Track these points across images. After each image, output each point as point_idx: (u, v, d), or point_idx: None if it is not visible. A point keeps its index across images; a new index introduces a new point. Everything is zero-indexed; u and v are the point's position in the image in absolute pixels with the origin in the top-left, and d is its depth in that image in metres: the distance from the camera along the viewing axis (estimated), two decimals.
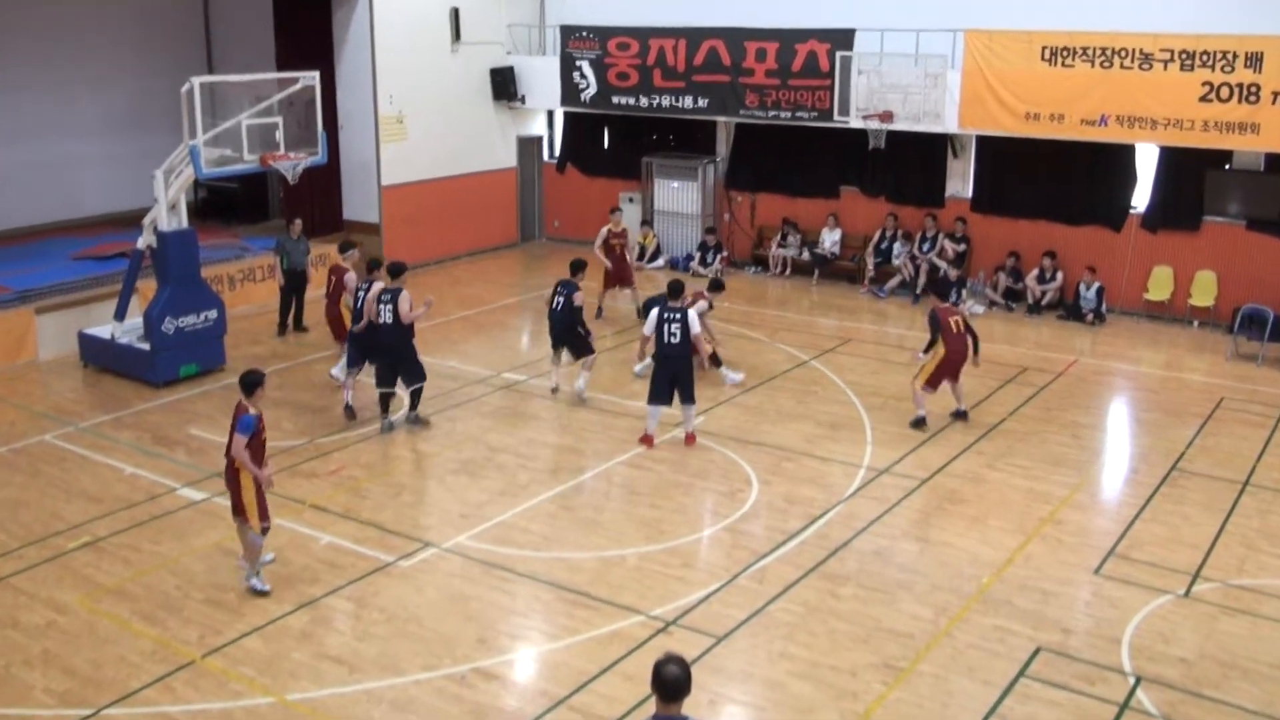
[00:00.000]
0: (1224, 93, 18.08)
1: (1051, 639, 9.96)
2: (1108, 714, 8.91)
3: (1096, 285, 20.35)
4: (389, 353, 14.56)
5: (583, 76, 24.30)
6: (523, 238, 26.93)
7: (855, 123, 21.21)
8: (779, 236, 23.81)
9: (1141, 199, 20.65)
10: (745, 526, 12.17)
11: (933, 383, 14.86)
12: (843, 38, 21.24)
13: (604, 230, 19.96)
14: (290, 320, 19.21)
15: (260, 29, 23.48)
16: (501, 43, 25.31)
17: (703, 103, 23.11)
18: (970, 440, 14.55)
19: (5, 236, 21.89)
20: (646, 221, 24.44)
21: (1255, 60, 17.74)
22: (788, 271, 23.62)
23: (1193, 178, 19.84)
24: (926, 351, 15.04)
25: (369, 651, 9.74)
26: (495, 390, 16.44)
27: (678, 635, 9.94)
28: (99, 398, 16.24)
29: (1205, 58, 18.11)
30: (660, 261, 24.30)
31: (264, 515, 10.57)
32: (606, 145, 26.33)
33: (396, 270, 14.70)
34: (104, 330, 17.33)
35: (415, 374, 14.83)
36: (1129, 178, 20.62)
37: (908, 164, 22.40)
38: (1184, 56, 18.28)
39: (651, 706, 6.09)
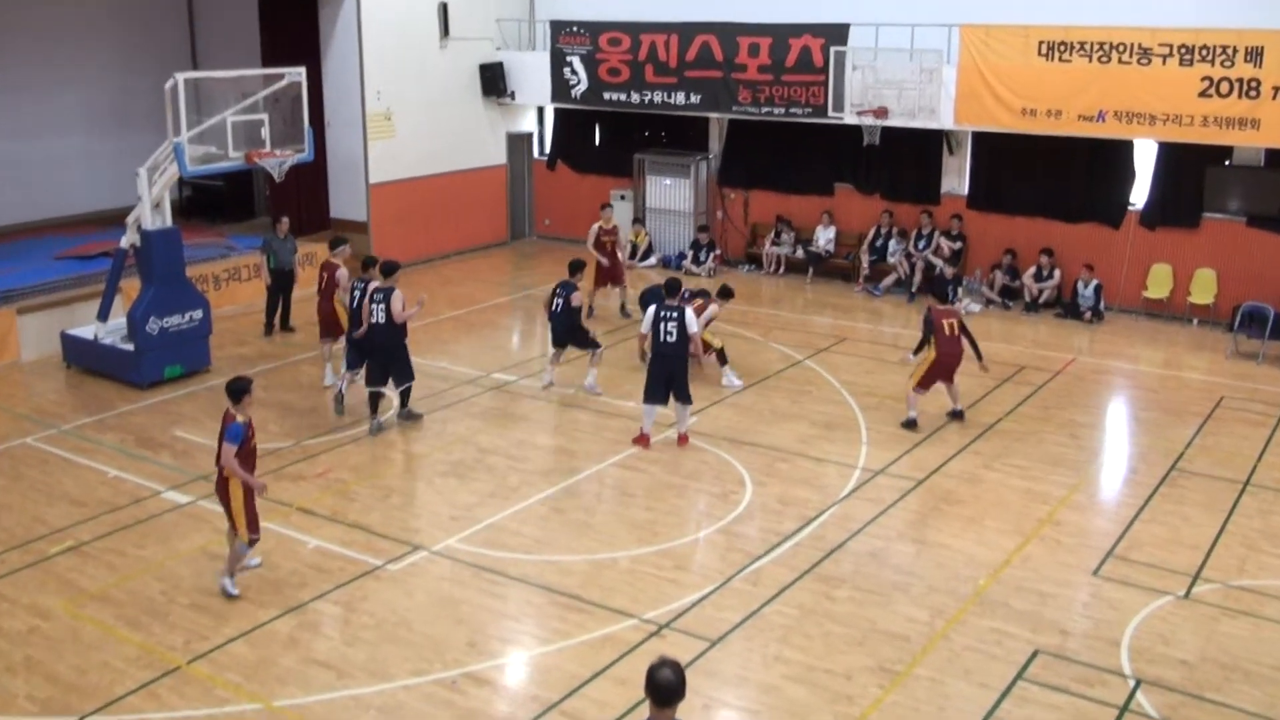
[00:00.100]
0: (1224, 88, 18.11)
1: (1050, 641, 9.97)
2: (1107, 717, 8.93)
3: (1094, 283, 20.39)
4: (381, 352, 14.58)
5: (573, 72, 24.28)
6: (513, 236, 26.91)
7: (850, 119, 21.20)
8: (773, 234, 23.82)
9: (1140, 195, 20.67)
10: (739, 528, 12.17)
11: (924, 384, 14.88)
12: (837, 33, 21.25)
13: (595, 227, 19.97)
14: (277, 320, 19.18)
15: (246, 24, 23.44)
16: (491, 38, 25.30)
17: (695, 99, 23.11)
18: (967, 440, 14.57)
19: None
20: (638, 219, 24.44)
21: (1255, 55, 17.77)
22: (781, 270, 23.63)
23: (1192, 174, 19.88)
24: (917, 353, 15.08)
25: (357, 656, 9.73)
26: (485, 391, 16.43)
27: (671, 639, 9.94)
28: (82, 399, 16.19)
29: (1205, 52, 18.13)
30: (652, 260, 24.30)
31: (253, 527, 10.58)
32: (598, 142, 26.32)
33: (389, 269, 14.70)
34: (87, 331, 17.29)
35: (405, 374, 14.87)
36: (1127, 174, 20.65)
37: (903, 161, 22.41)
38: (1183, 51, 18.31)
39: (645, 711, 6.09)
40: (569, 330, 16.14)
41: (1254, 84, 17.87)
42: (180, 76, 15.75)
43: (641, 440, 14.33)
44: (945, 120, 20.61)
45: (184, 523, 12.24)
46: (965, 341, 14.75)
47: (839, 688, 9.29)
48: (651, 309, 14.23)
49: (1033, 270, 20.93)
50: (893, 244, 22.36)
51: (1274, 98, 17.76)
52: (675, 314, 13.94)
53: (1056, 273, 20.81)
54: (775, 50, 21.89)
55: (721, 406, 15.73)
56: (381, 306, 14.37)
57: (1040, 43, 19.40)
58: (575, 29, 24.08)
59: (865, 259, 22.50)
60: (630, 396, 15.69)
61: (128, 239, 16.74)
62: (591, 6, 24.38)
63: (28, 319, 17.85)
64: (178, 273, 16.92)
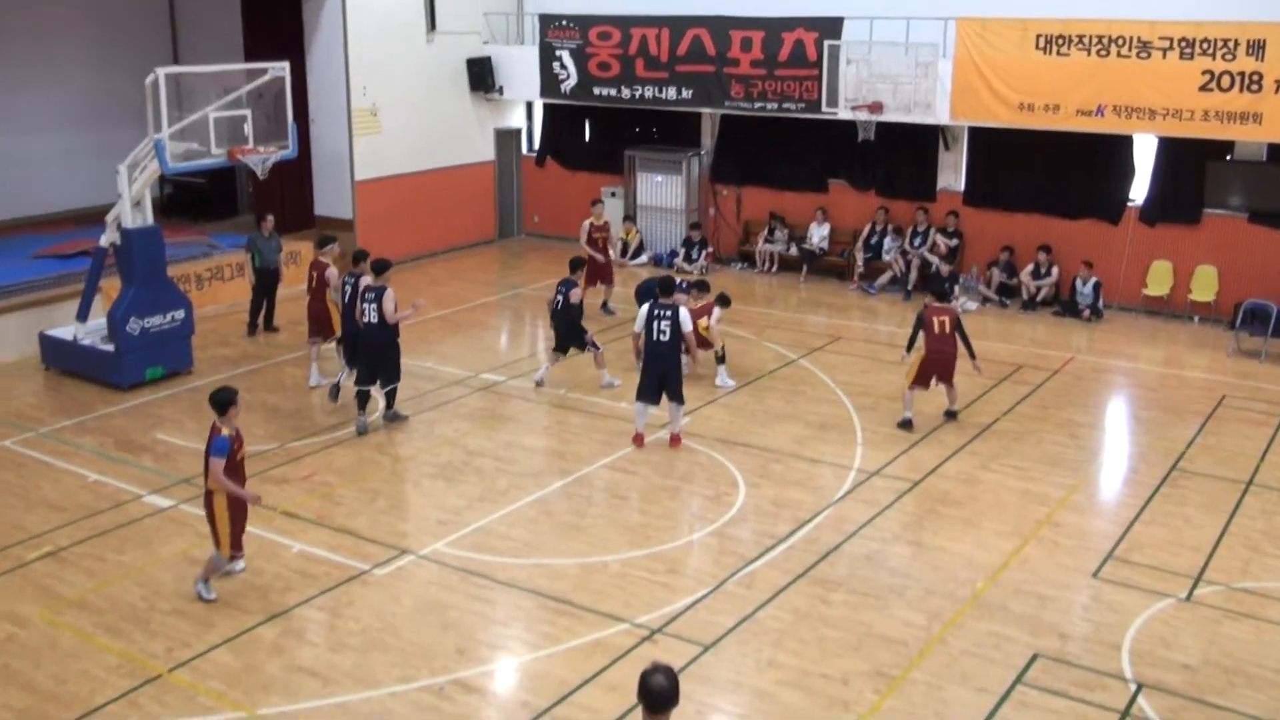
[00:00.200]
0: (1225, 81, 18.14)
1: (1049, 645, 9.97)
2: None
3: (1093, 280, 20.41)
4: (372, 351, 14.58)
5: (563, 67, 24.26)
6: (501, 234, 26.89)
7: (844, 114, 21.22)
8: (766, 231, 23.82)
9: (1140, 191, 20.71)
10: (732, 531, 12.16)
11: (918, 382, 14.87)
12: (831, 26, 21.25)
13: (586, 224, 20.01)
14: (261, 320, 19.14)
15: (228, 18, 23.39)
16: (478, 32, 25.28)
17: (687, 94, 23.10)
18: (964, 441, 14.57)
19: None
20: (629, 217, 24.44)
21: (1257, 48, 17.79)
22: (775, 268, 23.63)
23: (1193, 169, 19.92)
24: (909, 350, 15.11)
25: (343, 663, 9.69)
26: (473, 392, 16.41)
27: (663, 644, 9.92)
28: (61, 402, 16.13)
29: (1206, 45, 18.16)
30: (643, 258, 24.30)
31: (236, 545, 10.56)
32: (587, 138, 26.32)
33: (380, 267, 14.70)
34: (66, 331, 17.22)
35: (392, 374, 14.87)
36: (1127, 170, 20.68)
37: (898, 156, 22.43)
38: (1184, 44, 18.34)
39: (637, 718, 6.07)
40: (570, 330, 16.18)
41: (1256, 78, 17.90)
42: (161, 71, 15.71)
43: (637, 440, 14.35)
44: (941, 115, 20.61)
45: (165, 527, 12.19)
46: (959, 340, 14.76)
47: (834, 693, 9.28)
48: (644, 308, 14.29)
49: (1030, 268, 20.96)
50: (888, 241, 22.37)
51: (1276, 91, 17.78)
52: (669, 313, 13.97)
53: (1055, 270, 20.83)
54: (768, 44, 21.89)
55: (714, 407, 15.72)
56: (373, 306, 14.39)
57: (1038, 36, 19.42)
58: (564, 23, 24.05)
59: (860, 257, 22.51)
60: (622, 397, 15.69)
61: (108, 237, 16.68)
62: None
63: (5, 319, 17.79)
64: (159, 272, 16.87)
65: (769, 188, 24.11)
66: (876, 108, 20.69)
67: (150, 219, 16.69)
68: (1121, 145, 20.43)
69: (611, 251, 20.34)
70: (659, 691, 5.87)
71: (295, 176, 22.84)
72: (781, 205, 23.90)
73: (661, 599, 10.69)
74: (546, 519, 12.44)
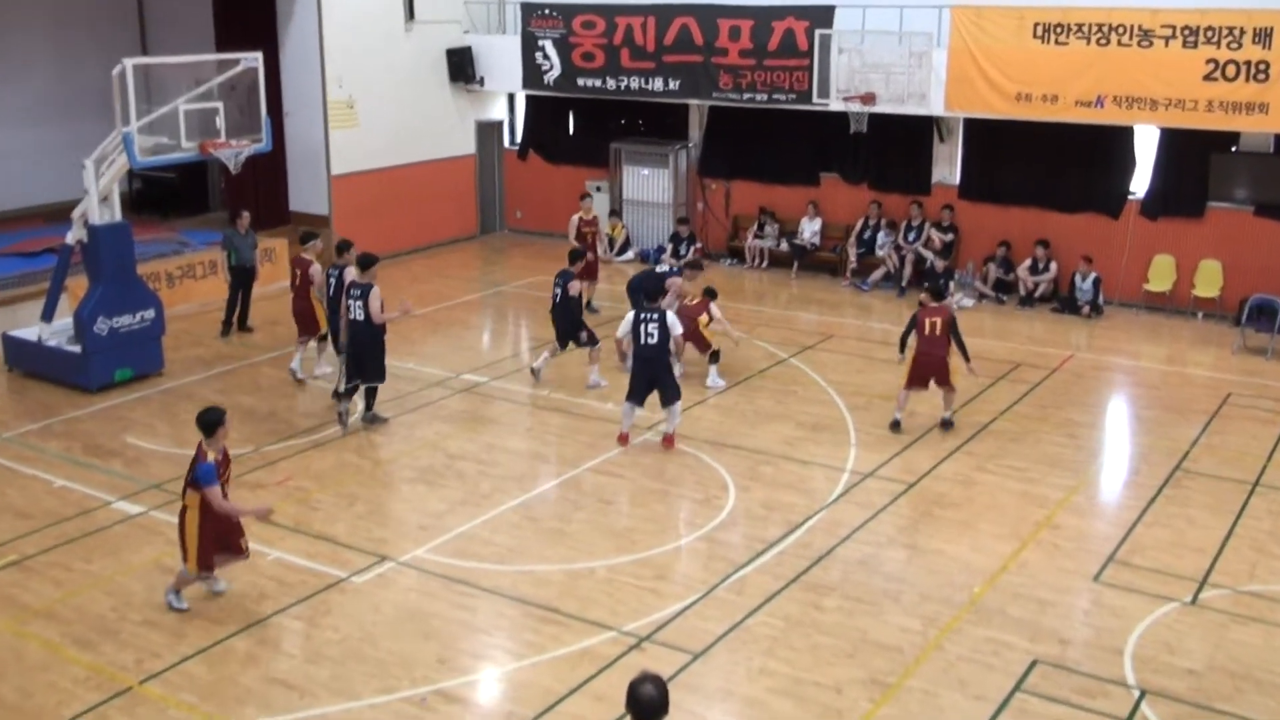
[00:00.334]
0: (1230, 71, 18.19)
1: (1049, 651, 9.99)
2: None
3: (1093, 276, 20.46)
4: (358, 349, 14.59)
5: (546, 57, 24.24)
6: (483, 229, 26.86)
7: (835, 105, 21.24)
8: (755, 226, 23.84)
9: (1141, 184, 20.75)
10: (722, 535, 12.16)
11: (912, 383, 14.85)
12: (822, 15, 21.27)
13: (574, 219, 20.06)
14: (235, 319, 19.09)
15: (198, 6, 23.29)
16: (458, 21, 25.24)
17: (674, 85, 23.10)
18: (960, 441, 14.59)
19: None
20: (615, 212, 24.45)
21: (1264, 36, 17.84)
22: (765, 263, 23.65)
23: (1196, 161, 19.96)
24: (902, 350, 15.12)
25: (320, 674, 9.67)
26: (455, 393, 16.39)
27: (651, 652, 9.92)
28: (25, 405, 16.06)
29: (1210, 34, 18.19)
30: (630, 254, 24.31)
31: (205, 564, 10.42)
32: (571, 130, 26.30)
33: (366, 263, 14.69)
34: (30, 332, 17.13)
35: (376, 374, 14.87)
36: (1127, 162, 20.73)
37: (891, 149, 22.44)
38: (1187, 33, 18.38)
39: None
40: (570, 324, 16.28)
41: (1262, 66, 17.94)
42: (129, 62, 15.62)
43: (621, 439, 14.38)
44: (935, 106, 20.65)
45: (135, 534, 12.14)
46: (952, 343, 14.69)
47: (828, 701, 9.28)
48: (631, 313, 14.55)
49: (1028, 263, 21.00)
50: (881, 236, 22.40)
51: None
52: (656, 316, 14.17)
53: (1053, 265, 20.88)
54: (757, 33, 21.90)
55: (704, 408, 15.72)
56: (359, 304, 14.39)
57: (1035, 24, 19.45)
58: (547, 11, 24.03)
59: (853, 252, 22.54)
60: (608, 398, 15.70)
61: (74, 234, 16.59)
62: None
63: None
64: (128, 270, 16.80)
65: (758, 181, 24.11)
66: (869, 99, 20.71)
67: (119, 215, 16.60)
68: (1122, 137, 20.48)
69: (599, 247, 20.34)
70: (648, 701, 5.88)
71: (269, 171, 22.77)
72: (771, 199, 23.92)
73: (650, 605, 10.69)
74: (531, 524, 12.43)
